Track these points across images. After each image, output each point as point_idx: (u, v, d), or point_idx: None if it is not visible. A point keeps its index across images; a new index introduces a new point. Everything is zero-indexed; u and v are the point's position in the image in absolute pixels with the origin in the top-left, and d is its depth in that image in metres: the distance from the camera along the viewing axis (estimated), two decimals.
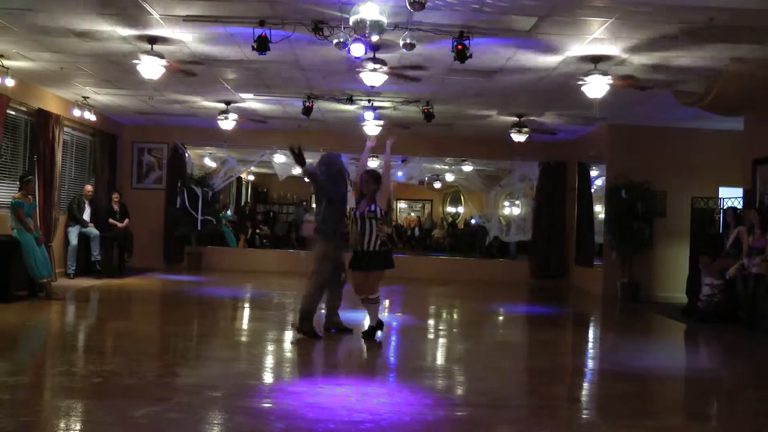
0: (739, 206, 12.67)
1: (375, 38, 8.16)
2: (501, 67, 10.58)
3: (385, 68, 10.15)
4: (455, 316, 13.20)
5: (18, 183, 11.88)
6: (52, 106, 13.89)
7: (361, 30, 7.56)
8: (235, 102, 14.43)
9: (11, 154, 13.13)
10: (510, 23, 8.50)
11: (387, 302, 13.64)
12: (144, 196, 18.00)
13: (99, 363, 7.32)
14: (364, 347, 8.69)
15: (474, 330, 11.29)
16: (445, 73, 11.00)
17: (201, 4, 8.33)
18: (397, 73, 10.76)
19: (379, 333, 9.01)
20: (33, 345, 8.63)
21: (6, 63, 11.30)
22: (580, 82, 10.24)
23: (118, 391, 6.08)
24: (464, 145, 18.48)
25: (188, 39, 9.78)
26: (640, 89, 10.85)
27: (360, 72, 10.25)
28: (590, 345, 10.81)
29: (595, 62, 9.86)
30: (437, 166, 22.84)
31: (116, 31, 9.48)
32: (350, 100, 13.52)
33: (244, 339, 9.65)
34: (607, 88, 10.19)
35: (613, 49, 9.34)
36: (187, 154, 18.50)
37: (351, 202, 10.11)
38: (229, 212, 23.27)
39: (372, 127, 14.41)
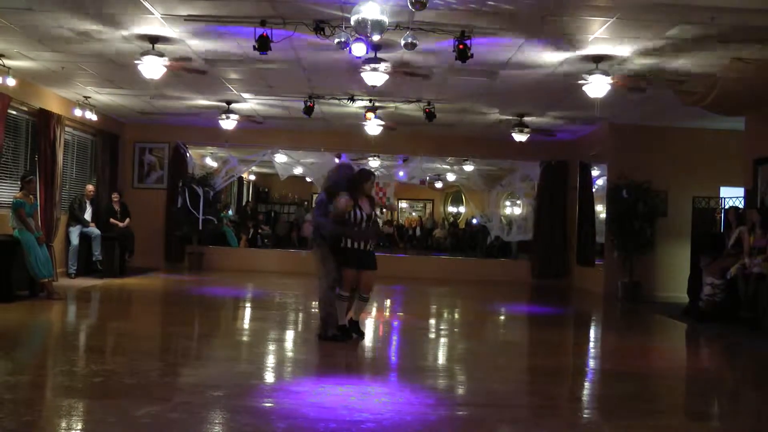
0: (741, 206, 12.66)
1: (376, 38, 8.16)
2: (502, 66, 10.57)
3: (386, 68, 10.15)
4: (456, 315, 13.19)
5: (19, 183, 11.88)
6: (54, 106, 13.90)
7: (362, 29, 7.55)
8: (237, 102, 14.44)
9: (12, 153, 13.13)
10: (511, 23, 8.50)
11: (388, 302, 13.66)
12: (145, 196, 18.00)
13: (100, 362, 7.33)
14: (365, 347, 8.67)
15: (475, 330, 11.29)
16: (446, 72, 11.00)
17: (202, 3, 8.33)
18: (399, 73, 10.75)
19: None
20: (34, 344, 8.63)
21: (7, 62, 11.30)
22: (582, 82, 10.24)
23: (120, 390, 6.08)
24: (465, 145, 18.47)
25: (189, 39, 9.78)
26: (640, 90, 10.83)
27: (361, 72, 10.25)
28: (591, 345, 10.81)
29: (597, 62, 9.86)
30: (438, 166, 22.84)
31: (117, 31, 9.48)
32: (351, 100, 13.52)
33: (245, 338, 9.65)
34: (609, 87, 10.19)
35: (614, 48, 9.34)
36: (188, 154, 18.49)
37: None
38: (230, 212, 23.28)
39: (373, 127, 14.41)
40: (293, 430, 5.16)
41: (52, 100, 13.91)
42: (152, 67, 10.11)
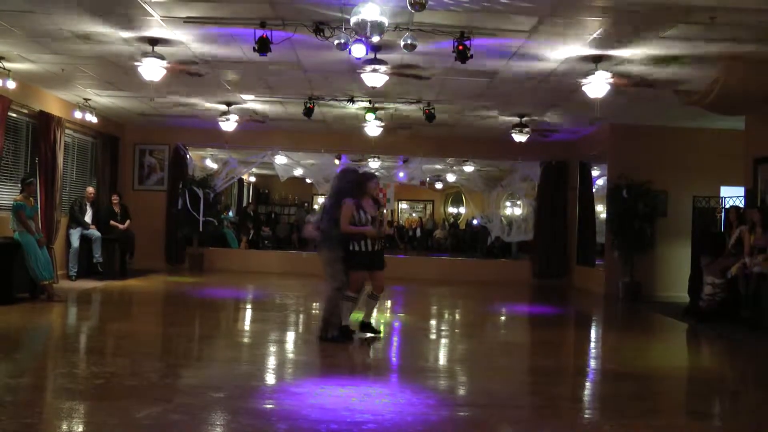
0: (741, 205, 12.66)
1: (376, 39, 8.17)
2: (502, 67, 10.58)
3: (386, 69, 10.16)
4: (457, 316, 13.19)
5: (20, 185, 11.87)
6: (54, 108, 13.90)
7: (361, 31, 7.56)
8: (237, 103, 14.45)
9: (13, 156, 13.13)
10: (511, 23, 8.50)
11: (389, 303, 13.65)
12: (145, 198, 18.01)
13: (101, 364, 7.32)
14: (366, 348, 8.67)
15: (476, 330, 11.29)
16: (446, 73, 11.00)
17: (202, 5, 8.34)
18: (398, 74, 10.76)
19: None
20: (35, 347, 8.63)
21: (7, 65, 11.31)
22: (581, 82, 10.24)
23: (121, 392, 6.08)
24: (465, 146, 18.47)
25: (189, 40, 9.78)
26: (648, 85, 10.80)
27: (361, 73, 10.26)
28: (592, 345, 10.81)
29: (596, 62, 9.86)
30: (438, 167, 22.85)
31: (117, 33, 9.48)
32: (351, 101, 13.53)
33: (246, 340, 9.65)
34: (608, 87, 10.19)
35: (613, 48, 9.34)
36: (188, 156, 18.50)
37: None
38: (230, 213, 23.28)
39: (373, 128, 14.41)
40: (294, 431, 5.16)
41: (52, 103, 13.91)
42: (152, 69, 10.12)
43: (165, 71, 10.26)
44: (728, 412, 6.87)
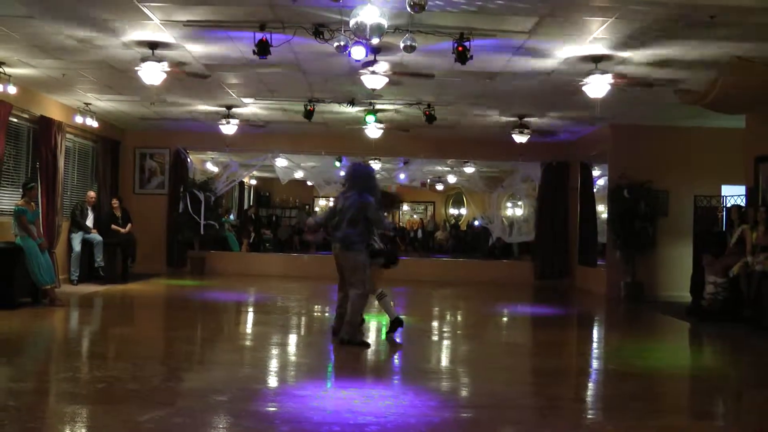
0: (743, 204, 12.66)
1: (375, 41, 8.17)
2: (502, 68, 10.58)
3: (385, 71, 10.16)
4: (459, 317, 13.19)
5: (21, 190, 11.87)
6: (54, 113, 13.91)
7: (361, 33, 7.55)
8: (237, 106, 14.45)
9: (14, 161, 13.13)
10: (510, 24, 8.50)
11: (390, 304, 13.64)
12: (146, 202, 18.01)
13: (103, 368, 7.31)
14: (367, 350, 8.65)
15: (478, 331, 11.28)
16: (446, 74, 11.00)
17: (201, 9, 8.34)
18: (398, 76, 10.76)
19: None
20: (37, 351, 8.63)
21: (8, 70, 11.31)
22: (582, 82, 10.24)
23: (123, 396, 6.09)
24: (466, 147, 18.47)
25: (189, 44, 9.79)
26: (647, 85, 10.80)
27: (361, 75, 10.26)
28: (595, 345, 10.81)
29: (596, 62, 9.85)
30: (439, 168, 22.85)
31: (117, 38, 9.49)
32: (351, 103, 13.53)
33: (248, 343, 9.66)
34: (608, 87, 10.19)
35: (614, 48, 9.34)
36: (189, 159, 18.51)
37: None
38: (231, 216, 23.30)
39: (373, 129, 14.42)
40: None
41: (52, 107, 13.92)
42: (152, 73, 10.11)
43: (165, 75, 10.26)
44: (731, 411, 6.87)
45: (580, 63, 9.99)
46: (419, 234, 29.34)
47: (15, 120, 12.88)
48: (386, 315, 9.48)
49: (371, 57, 9.74)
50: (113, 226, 15.45)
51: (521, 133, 14.65)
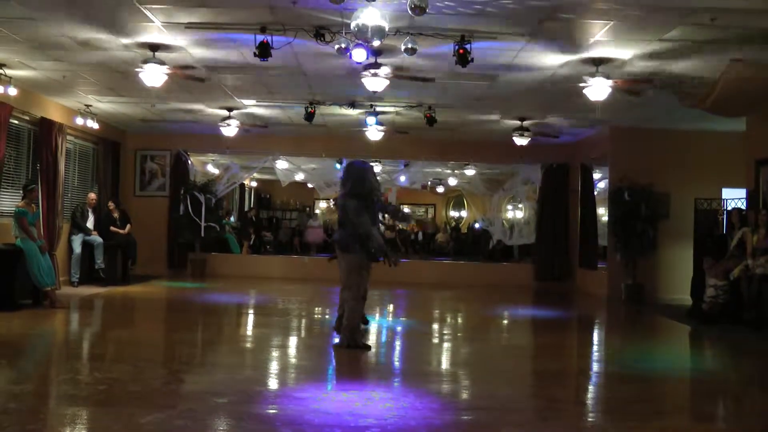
0: (743, 207, 12.65)
1: (376, 43, 8.17)
2: (503, 70, 10.58)
3: (386, 73, 10.16)
4: (460, 319, 13.18)
5: (21, 192, 11.87)
6: (55, 115, 13.92)
7: (362, 35, 7.56)
8: (238, 108, 14.46)
9: (14, 163, 13.14)
10: (511, 26, 8.51)
11: (391, 307, 13.67)
12: (147, 204, 18.02)
13: (104, 370, 7.32)
14: (369, 353, 8.65)
15: (479, 333, 11.27)
16: (447, 77, 11.01)
17: (202, 11, 8.35)
18: (399, 78, 10.76)
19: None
20: (38, 353, 8.63)
21: (8, 72, 11.32)
22: (582, 85, 10.25)
23: (124, 398, 6.08)
24: (467, 149, 18.47)
25: (190, 46, 9.79)
26: (636, 93, 10.83)
27: (362, 77, 10.26)
28: (595, 347, 10.79)
29: (597, 65, 9.86)
30: (440, 170, 22.85)
31: (118, 39, 9.50)
32: (352, 105, 13.53)
33: (249, 345, 9.66)
34: (609, 90, 10.20)
35: (614, 51, 9.34)
36: (189, 161, 18.52)
37: None
38: (232, 219, 23.31)
39: (374, 132, 14.43)
40: None
41: (53, 109, 13.93)
42: (153, 75, 10.12)
43: (166, 77, 10.26)
44: (732, 414, 6.87)
45: (582, 65, 9.99)
46: (419, 236, 29.33)
47: (16, 122, 12.89)
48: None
49: (372, 59, 9.74)
50: (112, 228, 15.44)
51: (521, 135, 14.65)
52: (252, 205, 28.10)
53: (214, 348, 9.30)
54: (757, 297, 10.90)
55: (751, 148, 12.48)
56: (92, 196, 15.32)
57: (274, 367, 8.07)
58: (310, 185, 25.15)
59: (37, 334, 9.73)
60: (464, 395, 7.04)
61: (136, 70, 10.26)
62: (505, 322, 12.98)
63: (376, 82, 10.19)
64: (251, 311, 13.25)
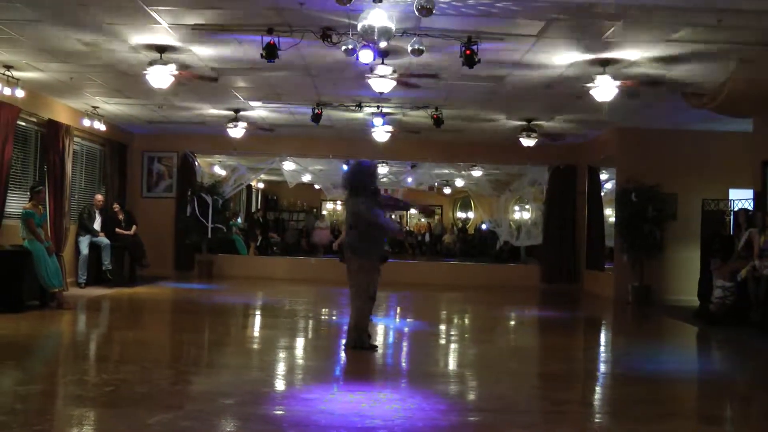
0: (750, 208, 12.62)
1: (383, 44, 8.17)
2: (509, 71, 10.57)
3: (393, 74, 10.16)
4: (467, 321, 13.17)
5: (29, 193, 11.91)
6: (62, 117, 13.95)
7: (369, 36, 7.56)
8: (245, 110, 14.47)
9: (22, 164, 13.18)
10: (518, 28, 8.50)
11: (398, 308, 13.67)
12: (154, 205, 18.06)
13: (111, 371, 7.33)
14: (376, 354, 8.65)
15: (486, 335, 11.26)
16: (453, 78, 11.00)
17: (209, 12, 8.36)
18: (406, 79, 10.77)
19: None
20: (45, 354, 8.65)
21: (16, 74, 11.36)
22: (589, 86, 10.23)
23: (131, 399, 6.09)
24: (474, 150, 18.47)
25: (197, 48, 9.81)
26: (635, 96, 10.82)
27: (369, 78, 10.27)
28: (602, 349, 10.77)
29: (604, 65, 9.85)
30: (447, 172, 22.84)
31: (125, 41, 9.52)
32: (359, 107, 13.54)
33: (255, 346, 9.66)
34: (616, 91, 10.18)
35: (621, 52, 9.33)
36: (196, 163, 18.55)
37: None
38: (239, 220, 23.32)
39: (381, 133, 14.43)
40: None
41: (60, 111, 13.97)
42: (160, 77, 10.14)
43: (173, 79, 10.28)
44: (739, 416, 6.84)
45: (589, 66, 9.98)
46: (427, 237, 29.34)
47: (23, 123, 12.93)
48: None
49: (379, 60, 9.74)
50: (117, 230, 15.45)
51: (528, 136, 14.64)
52: (259, 207, 28.12)
53: (220, 349, 9.31)
54: (764, 298, 10.87)
55: (758, 148, 12.43)
56: (99, 197, 15.35)
57: (281, 368, 8.07)
58: (317, 186, 25.16)
59: (44, 335, 9.76)
60: (471, 396, 7.04)
61: (143, 71, 10.27)
62: (512, 323, 12.96)
63: (382, 83, 10.20)
64: (258, 312, 13.27)
